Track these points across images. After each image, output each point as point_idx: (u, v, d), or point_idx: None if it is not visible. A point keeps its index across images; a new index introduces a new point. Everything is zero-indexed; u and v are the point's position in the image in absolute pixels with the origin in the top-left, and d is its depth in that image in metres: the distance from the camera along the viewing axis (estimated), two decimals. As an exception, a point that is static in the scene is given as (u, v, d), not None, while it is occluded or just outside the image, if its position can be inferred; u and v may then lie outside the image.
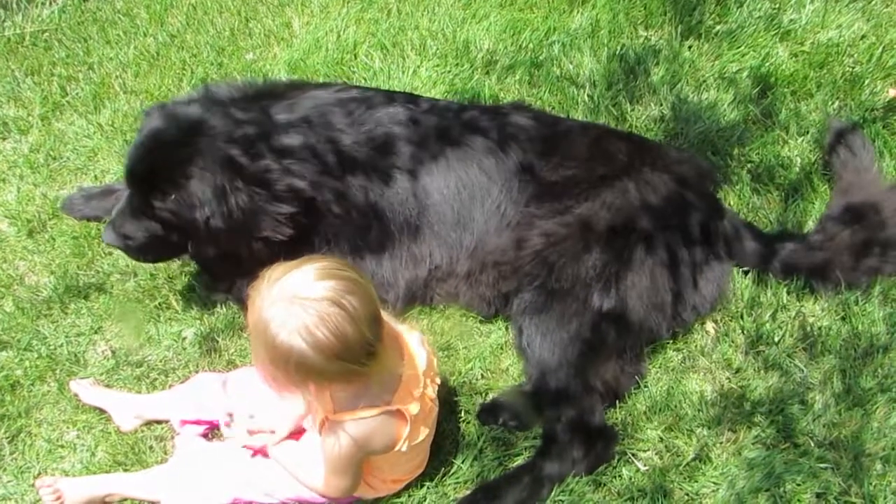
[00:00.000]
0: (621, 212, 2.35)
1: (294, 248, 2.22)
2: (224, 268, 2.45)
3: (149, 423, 2.34)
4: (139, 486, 2.16)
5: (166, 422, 2.33)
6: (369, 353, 1.71)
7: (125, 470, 2.24)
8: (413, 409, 1.90)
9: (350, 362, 1.67)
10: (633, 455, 2.26)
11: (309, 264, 1.69)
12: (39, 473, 2.26)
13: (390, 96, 2.54)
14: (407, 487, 2.19)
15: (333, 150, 2.35)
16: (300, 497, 2.11)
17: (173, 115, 2.29)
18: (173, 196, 2.22)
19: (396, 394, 1.89)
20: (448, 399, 2.38)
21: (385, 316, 1.87)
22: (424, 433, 2.00)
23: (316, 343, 1.61)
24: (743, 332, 2.49)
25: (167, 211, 2.25)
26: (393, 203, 2.39)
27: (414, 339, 2.02)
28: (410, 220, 2.41)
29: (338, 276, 1.67)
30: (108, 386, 2.43)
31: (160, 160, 2.24)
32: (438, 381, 2.06)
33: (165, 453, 2.28)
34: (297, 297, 1.62)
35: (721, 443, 2.28)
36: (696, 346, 2.47)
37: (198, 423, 2.27)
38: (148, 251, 2.40)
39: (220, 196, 2.20)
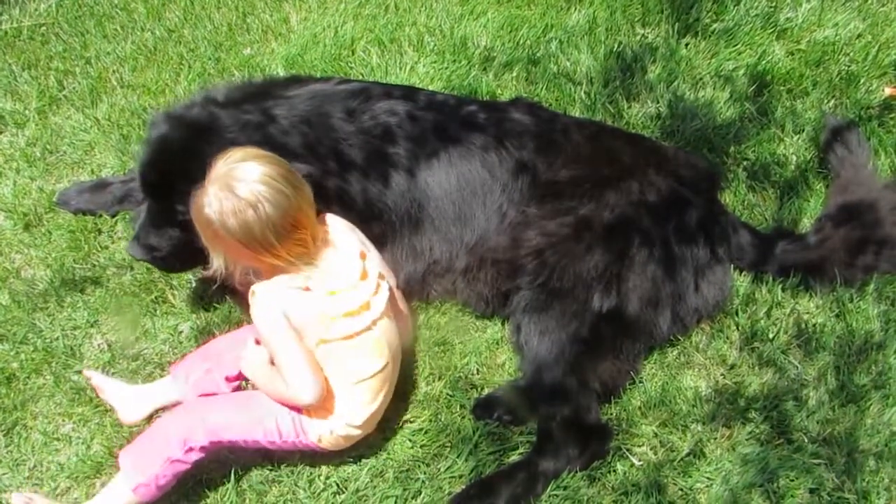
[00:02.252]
0: (624, 213, 2.35)
1: None
2: None
3: (151, 417, 2.34)
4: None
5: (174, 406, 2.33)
6: (273, 247, 1.98)
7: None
8: (323, 289, 2.04)
9: (253, 248, 1.97)
10: (627, 450, 2.27)
11: (255, 162, 1.97)
12: (35, 466, 2.26)
13: (388, 90, 2.54)
14: (403, 482, 2.20)
15: (333, 147, 2.35)
16: (245, 437, 2.14)
17: (178, 119, 2.28)
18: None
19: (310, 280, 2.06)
20: (443, 394, 2.39)
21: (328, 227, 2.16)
22: (349, 328, 2.06)
23: (224, 226, 1.94)
24: (738, 328, 2.50)
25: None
26: (395, 195, 2.39)
27: (352, 253, 2.15)
28: (412, 213, 2.41)
29: (268, 184, 1.94)
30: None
31: (174, 164, 2.23)
32: (385, 294, 2.16)
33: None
34: (228, 187, 1.93)
35: (715, 438, 2.29)
36: (690, 343, 2.48)
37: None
38: (175, 260, 2.38)
39: None
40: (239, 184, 1.93)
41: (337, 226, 2.22)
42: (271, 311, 2.03)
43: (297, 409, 2.13)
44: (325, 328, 2.05)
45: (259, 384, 2.15)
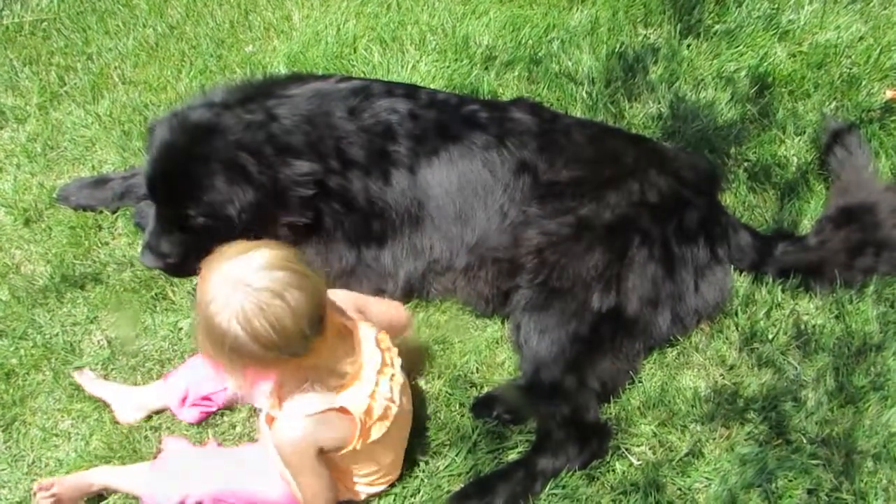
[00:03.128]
0: (625, 213, 2.35)
1: (306, 239, 2.30)
2: None
3: (149, 417, 2.34)
4: (127, 478, 2.16)
5: (166, 410, 2.33)
6: (307, 347, 1.72)
7: (119, 460, 2.24)
8: (359, 406, 1.89)
9: (285, 353, 1.69)
10: (626, 450, 2.27)
11: (262, 250, 1.70)
12: (33, 462, 2.27)
13: (390, 88, 2.54)
14: (401, 480, 2.20)
15: (335, 145, 2.36)
16: (271, 500, 2.09)
17: (181, 122, 2.28)
18: (205, 198, 2.21)
19: (342, 391, 1.89)
20: (443, 392, 2.39)
21: (339, 312, 1.92)
22: (379, 431, 1.96)
23: (252, 331, 1.62)
24: (737, 329, 2.50)
25: (202, 216, 2.24)
26: (395, 194, 2.39)
27: (368, 336, 1.99)
28: (412, 211, 2.41)
29: (286, 268, 1.67)
30: (105, 377, 2.43)
31: (180, 168, 2.23)
32: (401, 379, 2.04)
33: (160, 443, 2.28)
34: (242, 283, 1.63)
35: (714, 438, 2.29)
36: (690, 343, 2.48)
37: (194, 404, 2.28)
38: (187, 265, 2.34)
39: (245, 187, 2.21)
40: (252, 275, 1.64)
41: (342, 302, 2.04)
42: (300, 444, 1.86)
43: None
44: (361, 442, 1.93)
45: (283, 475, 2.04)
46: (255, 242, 1.75)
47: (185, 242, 2.32)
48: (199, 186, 2.21)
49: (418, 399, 2.38)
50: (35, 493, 2.12)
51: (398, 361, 2.06)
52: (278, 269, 1.66)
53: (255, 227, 2.25)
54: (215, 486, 2.08)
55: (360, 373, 1.93)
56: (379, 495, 2.17)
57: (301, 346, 1.70)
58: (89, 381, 2.38)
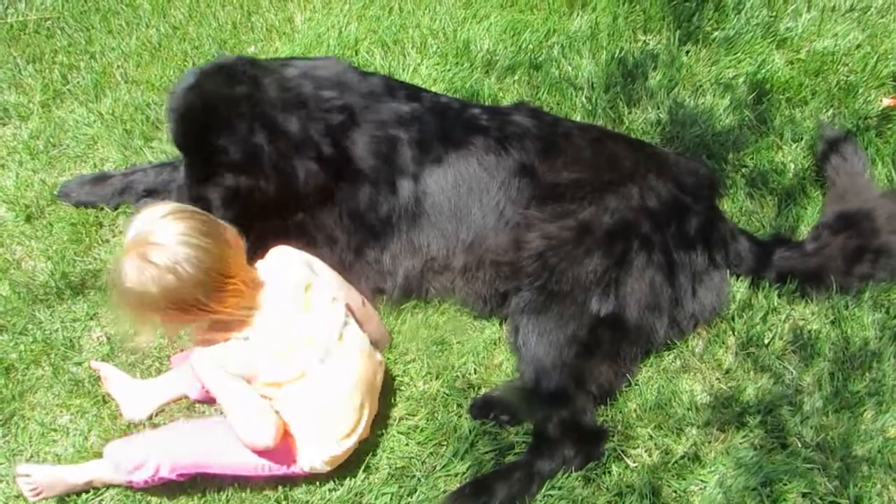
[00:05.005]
0: (624, 218, 2.36)
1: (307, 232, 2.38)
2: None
3: (157, 412, 2.35)
4: (98, 469, 2.16)
5: (170, 405, 2.35)
6: (205, 308, 1.93)
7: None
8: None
9: (186, 311, 1.91)
10: (623, 452, 2.28)
11: (170, 220, 1.89)
12: (32, 456, 2.27)
13: (391, 90, 2.56)
14: (399, 479, 2.21)
15: (333, 142, 2.38)
16: (236, 467, 2.13)
17: (203, 78, 2.33)
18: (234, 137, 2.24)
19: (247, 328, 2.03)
20: (441, 393, 2.40)
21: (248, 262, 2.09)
22: (286, 372, 2.04)
23: (148, 296, 1.85)
24: (734, 333, 2.52)
25: (234, 165, 2.27)
26: (396, 192, 2.41)
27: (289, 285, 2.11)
28: (409, 208, 2.43)
29: (186, 242, 1.87)
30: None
31: (213, 108, 2.26)
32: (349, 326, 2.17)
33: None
34: (146, 254, 1.84)
35: (710, 442, 2.31)
36: (687, 347, 2.50)
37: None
38: (230, 212, 2.34)
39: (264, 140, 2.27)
40: (154, 250, 1.85)
41: (278, 258, 2.18)
42: (207, 368, 2.02)
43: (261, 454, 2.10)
44: (272, 374, 2.05)
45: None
46: (167, 208, 1.93)
47: (226, 184, 2.31)
48: (230, 127, 2.23)
49: (415, 400, 2.40)
50: (17, 478, 2.14)
51: (338, 308, 2.17)
52: (177, 244, 1.86)
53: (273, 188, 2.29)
54: (178, 454, 2.10)
55: (273, 330, 2.04)
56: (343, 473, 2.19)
57: (198, 305, 1.90)
58: (110, 371, 2.38)
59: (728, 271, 2.54)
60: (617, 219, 2.36)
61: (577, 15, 3.52)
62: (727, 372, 2.45)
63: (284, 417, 2.08)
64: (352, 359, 2.15)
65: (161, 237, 1.86)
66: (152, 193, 2.77)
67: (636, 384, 2.40)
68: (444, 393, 2.40)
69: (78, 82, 3.30)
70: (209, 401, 2.32)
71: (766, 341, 2.49)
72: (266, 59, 2.62)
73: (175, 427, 2.23)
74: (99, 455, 2.23)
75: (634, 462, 2.27)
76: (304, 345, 2.07)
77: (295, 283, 2.12)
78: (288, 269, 2.14)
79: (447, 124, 2.49)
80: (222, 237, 1.97)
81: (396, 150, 2.42)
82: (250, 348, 2.02)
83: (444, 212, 2.43)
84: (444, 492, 2.20)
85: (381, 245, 2.44)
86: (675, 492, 2.21)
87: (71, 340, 2.51)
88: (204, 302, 1.91)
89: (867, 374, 2.41)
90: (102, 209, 2.82)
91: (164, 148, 3.01)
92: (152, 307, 1.88)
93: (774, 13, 3.47)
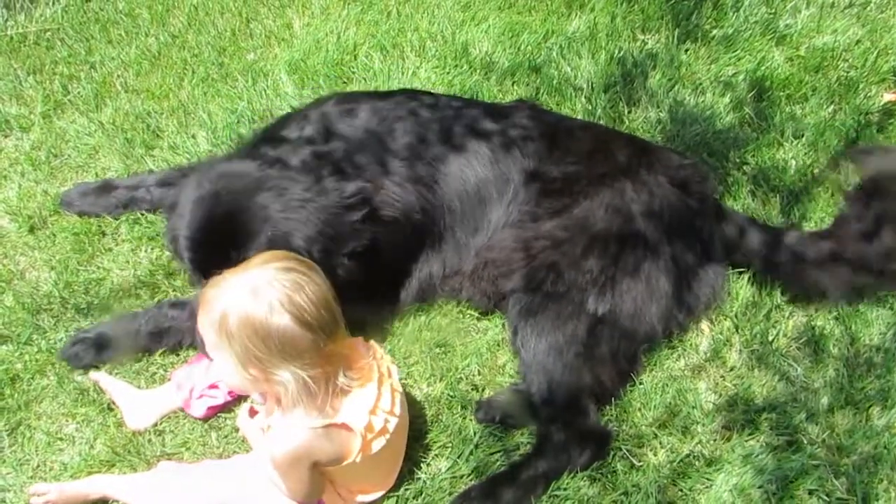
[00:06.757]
0: (618, 214, 2.36)
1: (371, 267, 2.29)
2: None
3: (158, 422, 2.35)
4: (124, 489, 2.15)
5: (171, 415, 2.35)
6: (336, 331, 1.84)
7: (123, 463, 2.25)
8: (360, 422, 1.91)
9: (326, 333, 1.80)
10: (627, 451, 2.27)
11: (259, 258, 1.84)
12: (38, 466, 2.27)
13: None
14: (404, 482, 2.21)
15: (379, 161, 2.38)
16: None
17: (219, 176, 2.19)
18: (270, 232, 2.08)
19: (343, 407, 1.92)
20: (444, 395, 2.40)
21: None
22: (380, 445, 1.96)
23: (297, 311, 1.74)
24: (738, 330, 2.51)
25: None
26: (427, 205, 2.42)
27: (365, 348, 2.05)
28: (436, 220, 2.43)
29: (292, 258, 1.83)
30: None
31: (229, 222, 2.11)
32: (399, 390, 2.06)
33: (164, 446, 2.30)
34: (264, 281, 1.74)
35: (715, 440, 2.30)
36: (691, 345, 2.49)
37: (202, 395, 2.30)
38: None
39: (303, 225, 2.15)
40: (269, 273, 1.75)
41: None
42: (296, 454, 1.86)
43: None
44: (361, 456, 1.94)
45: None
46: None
47: None
48: (249, 234, 2.08)
49: (419, 402, 2.39)
50: (30, 498, 2.13)
51: (395, 370, 2.09)
52: (287, 262, 1.79)
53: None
54: (210, 501, 2.08)
55: (366, 384, 1.95)
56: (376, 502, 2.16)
57: (334, 326, 1.81)
58: (110, 382, 2.37)
59: (725, 265, 2.52)
60: (612, 215, 2.36)
61: (576, 16, 3.52)
62: (732, 369, 2.45)
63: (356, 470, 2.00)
64: (404, 409, 2.13)
65: (268, 265, 1.79)
66: (157, 210, 2.78)
67: (640, 383, 2.39)
68: (449, 395, 2.40)
69: (78, 92, 3.31)
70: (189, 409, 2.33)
71: (771, 339, 2.48)
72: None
73: (206, 470, 2.16)
74: (105, 464, 2.24)
75: (640, 461, 2.26)
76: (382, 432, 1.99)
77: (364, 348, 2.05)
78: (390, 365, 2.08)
79: (447, 125, 2.49)
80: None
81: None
82: (341, 441, 1.90)
83: (462, 222, 2.45)
84: (450, 494, 2.20)
85: (420, 256, 2.46)
86: (682, 491, 2.20)
87: (75, 349, 2.51)
88: (324, 339, 1.80)
89: (873, 370, 2.40)
90: (104, 218, 2.82)
91: (165, 156, 3.02)
92: (259, 347, 1.75)
93: (773, 10, 3.47)
